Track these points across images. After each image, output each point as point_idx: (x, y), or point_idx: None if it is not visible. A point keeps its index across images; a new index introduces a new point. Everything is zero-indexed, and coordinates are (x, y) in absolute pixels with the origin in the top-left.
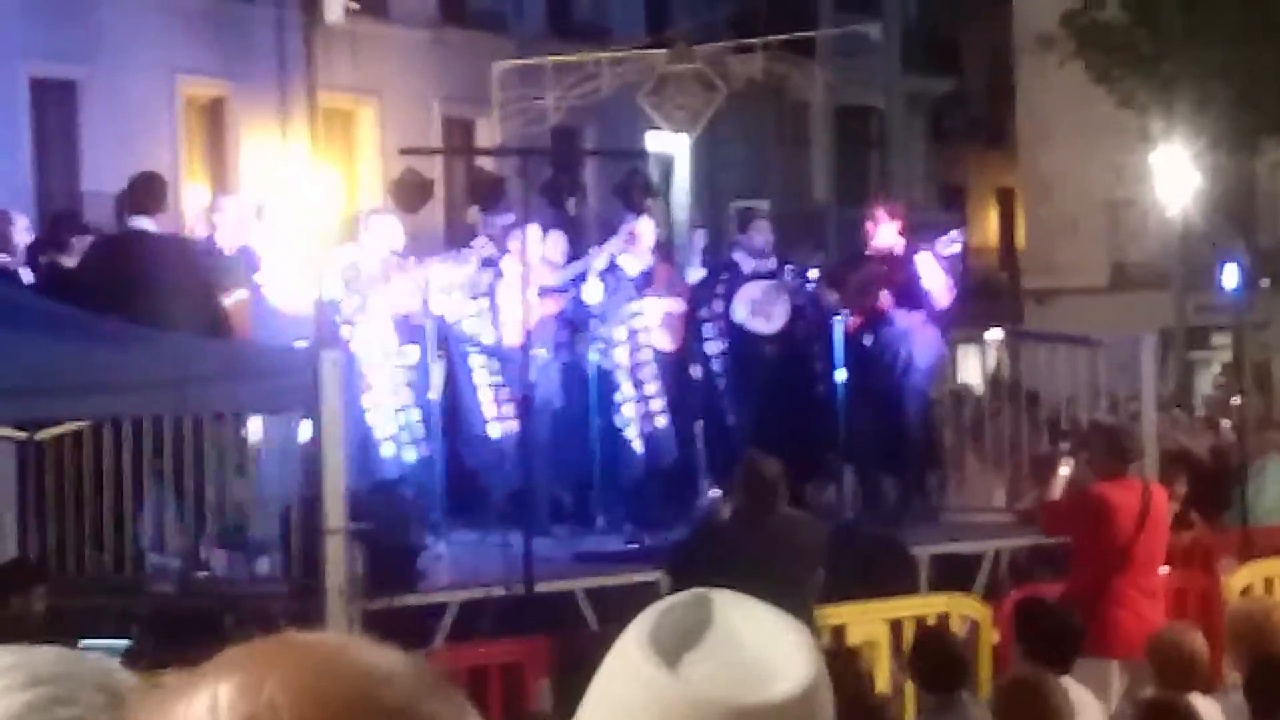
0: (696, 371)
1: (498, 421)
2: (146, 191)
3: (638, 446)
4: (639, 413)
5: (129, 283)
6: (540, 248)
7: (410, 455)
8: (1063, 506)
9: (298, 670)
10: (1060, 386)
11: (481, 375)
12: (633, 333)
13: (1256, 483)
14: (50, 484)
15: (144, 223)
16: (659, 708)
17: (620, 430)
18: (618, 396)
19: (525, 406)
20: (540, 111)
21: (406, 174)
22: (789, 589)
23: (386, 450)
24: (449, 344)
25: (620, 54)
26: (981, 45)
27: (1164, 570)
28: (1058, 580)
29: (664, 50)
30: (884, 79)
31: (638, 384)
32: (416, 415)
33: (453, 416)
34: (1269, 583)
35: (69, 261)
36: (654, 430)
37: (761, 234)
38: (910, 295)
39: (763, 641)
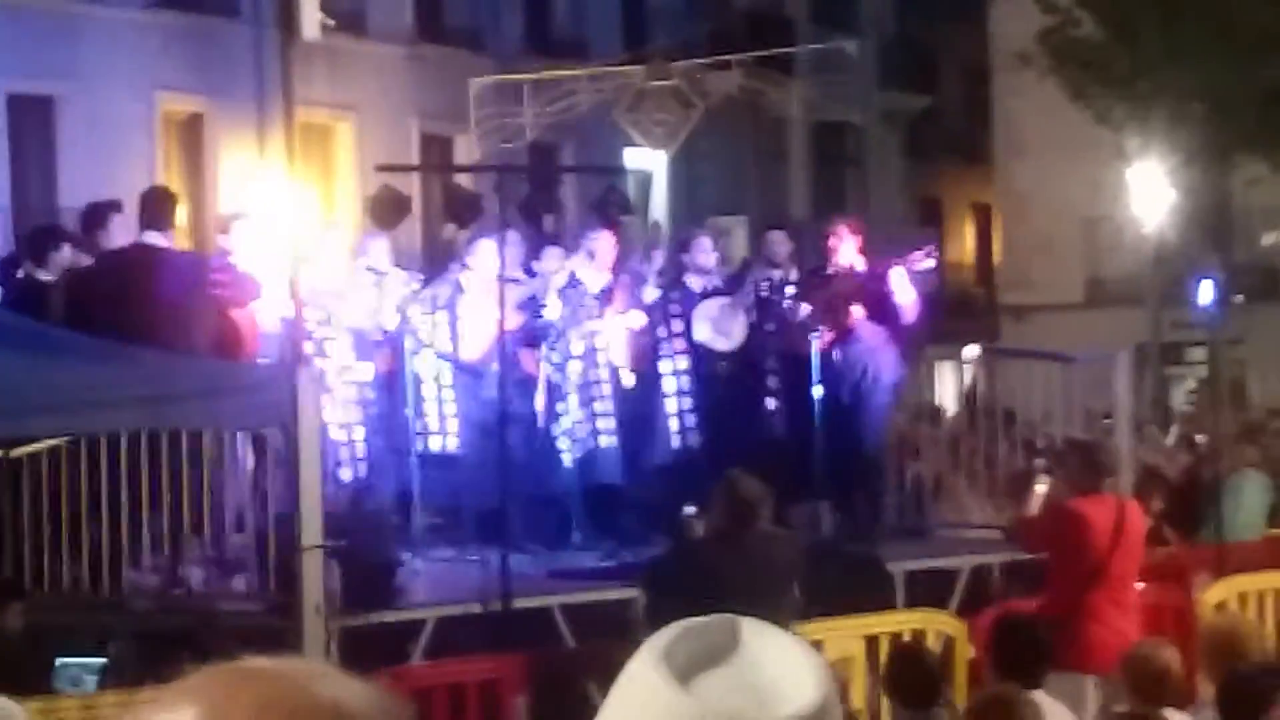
0: (657, 389)
1: (454, 436)
2: (156, 206)
3: (567, 460)
4: (584, 430)
5: (137, 296)
6: (497, 263)
7: (346, 475)
8: (1038, 522)
9: (263, 703)
10: (1036, 402)
11: (430, 389)
12: (591, 350)
13: (1233, 498)
14: (26, 501)
15: (155, 238)
16: None
17: (554, 441)
18: (559, 408)
19: (502, 422)
20: (518, 128)
21: (383, 191)
22: (765, 606)
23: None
24: (404, 358)
25: (598, 71)
26: (958, 62)
27: (1139, 586)
28: (1034, 596)
29: (641, 67)
30: (861, 95)
31: (587, 401)
32: (361, 433)
33: (408, 433)
34: (1243, 598)
35: (45, 276)
36: (595, 448)
37: (703, 251)
38: (876, 312)
39: (779, 666)
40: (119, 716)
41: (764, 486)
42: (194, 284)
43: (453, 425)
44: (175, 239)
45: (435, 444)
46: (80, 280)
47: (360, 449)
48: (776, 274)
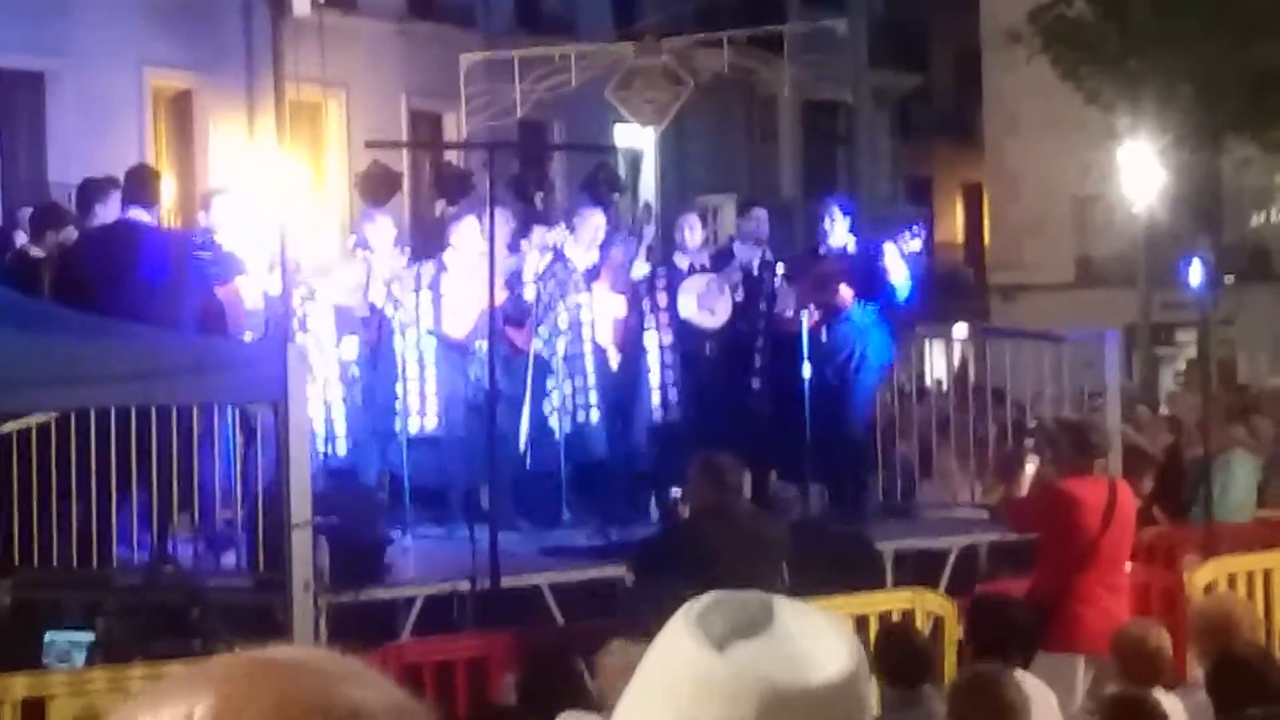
0: (642, 366)
1: (418, 416)
2: (141, 183)
3: (558, 437)
4: (568, 405)
5: (122, 273)
6: (482, 240)
7: (341, 450)
8: (1028, 502)
9: (281, 701)
10: (1025, 382)
11: (416, 369)
12: (575, 324)
13: (1222, 478)
14: (15, 476)
15: (139, 214)
16: (699, 684)
17: (545, 419)
18: (549, 384)
19: (491, 400)
20: (508, 105)
21: (373, 167)
22: (754, 584)
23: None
24: (388, 336)
25: (588, 48)
26: (949, 41)
27: (1127, 566)
28: (1023, 576)
29: (632, 44)
30: (851, 74)
31: (571, 375)
32: (342, 410)
33: (392, 410)
34: (1232, 579)
35: (37, 252)
36: (583, 424)
37: (691, 230)
38: (866, 291)
39: (811, 638)
40: (108, 691)
41: (738, 462)
42: (177, 261)
43: (433, 404)
44: (160, 216)
45: (417, 424)
46: (66, 257)
47: (340, 426)
48: (765, 252)
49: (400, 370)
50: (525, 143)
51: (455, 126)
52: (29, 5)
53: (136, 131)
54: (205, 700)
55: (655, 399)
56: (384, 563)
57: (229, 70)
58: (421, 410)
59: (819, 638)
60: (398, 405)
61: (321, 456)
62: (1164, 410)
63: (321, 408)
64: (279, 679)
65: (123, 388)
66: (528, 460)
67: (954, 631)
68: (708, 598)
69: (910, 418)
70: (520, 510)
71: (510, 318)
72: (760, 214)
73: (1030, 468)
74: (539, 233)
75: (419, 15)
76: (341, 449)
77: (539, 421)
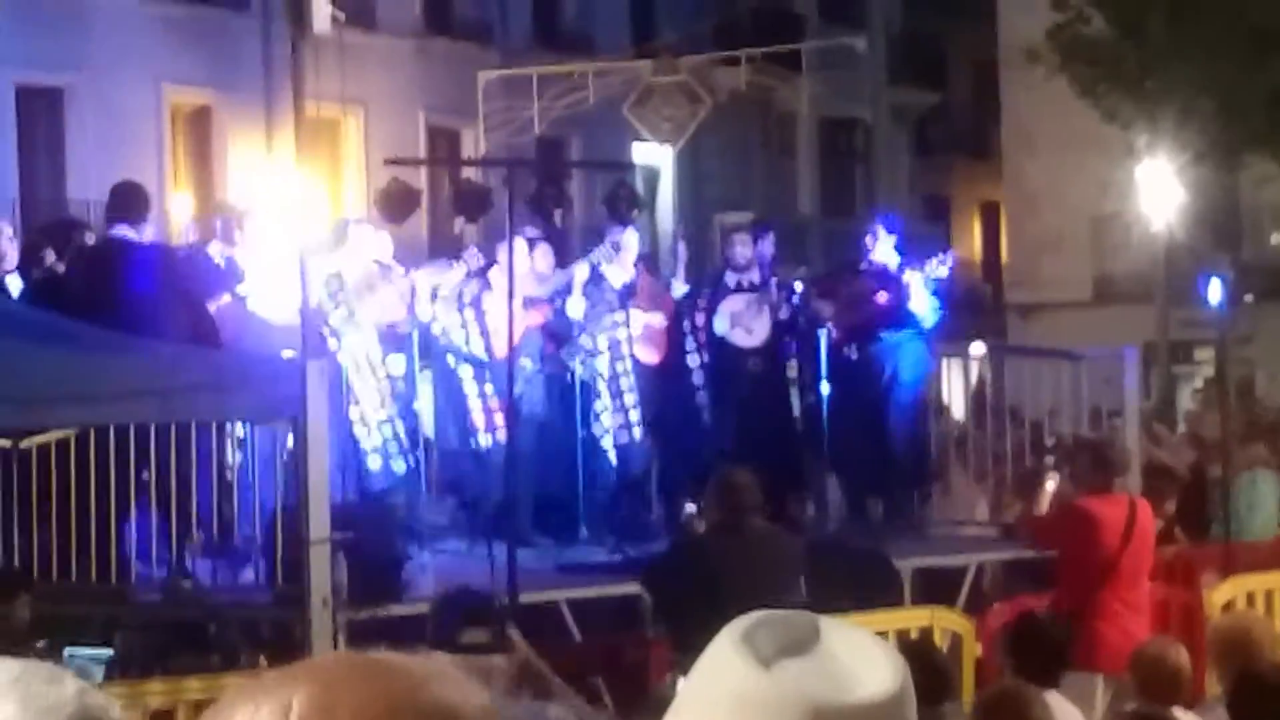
0: (679, 385)
1: (487, 432)
2: (127, 200)
3: (613, 457)
4: (615, 423)
5: (110, 291)
6: (527, 259)
7: (399, 466)
8: (1048, 520)
9: (374, 699)
10: (1043, 400)
11: (471, 386)
12: (614, 343)
13: (1248, 497)
14: (35, 492)
15: (125, 231)
16: (745, 701)
17: (598, 440)
18: (598, 406)
19: (511, 417)
20: (525, 122)
21: (392, 184)
22: (767, 602)
23: (373, 463)
24: (434, 354)
25: (605, 65)
26: (967, 58)
27: (1147, 585)
28: (1042, 594)
29: (649, 61)
30: (869, 91)
31: (615, 394)
32: (401, 427)
33: (439, 427)
34: (1251, 597)
35: (59, 267)
36: (629, 441)
37: (743, 247)
38: (900, 311)
39: (856, 657)
40: (127, 707)
41: (754, 480)
42: (161, 276)
43: (480, 420)
44: (147, 232)
45: (481, 440)
46: (56, 278)
47: (393, 445)
48: (804, 271)
49: (447, 387)
50: (544, 160)
51: (473, 143)
52: (48, 22)
53: (155, 148)
54: (303, 693)
55: (694, 419)
56: (402, 579)
57: (247, 87)
58: (490, 427)
59: (865, 657)
60: (444, 422)
61: (363, 474)
62: (1182, 428)
63: (362, 428)
64: (374, 677)
65: (142, 404)
66: (580, 478)
67: (973, 649)
68: (754, 616)
69: (930, 435)
70: (538, 526)
71: (555, 335)
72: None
73: (1050, 486)
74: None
75: (437, 32)
76: (399, 466)
77: (591, 441)
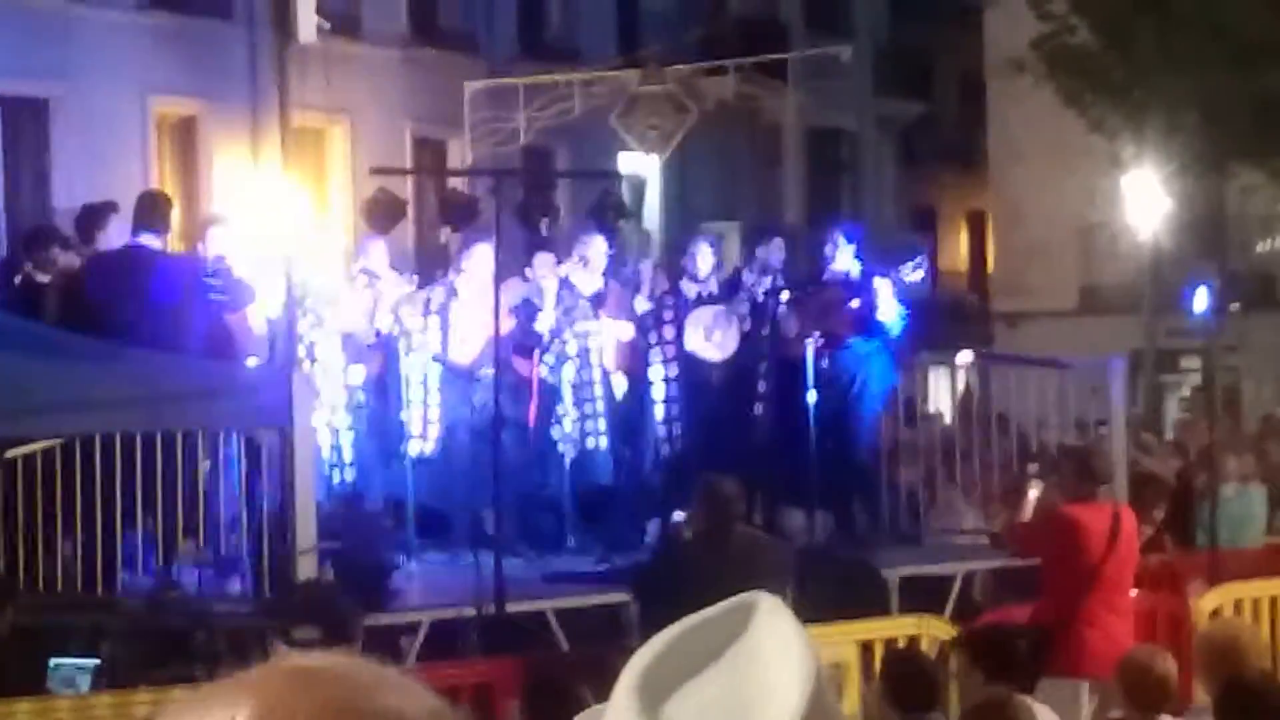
0: (648, 395)
1: (420, 440)
2: (151, 209)
3: (566, 463)
4: (577, 433)
5: (132, 297)
6: (491, 267)
7: (349, 476)
8: (1033, 528)
9: (322, 707)
10: (1030, 409)
11: (416, 392)
12: (584, 350)
13: (1234, 508)
14: (20, 501)
15: (149, 239)
16: None
17: (555, 444)
18: (559, 410)
19: (496, 426)
20: (512, 132)
21: (378, 194)
22: None
23: (334, 474)
24: (393, 362)
25: (592, 75)
26: (953, 69)
27: (1133, 592)
28: (1027, 602)
29: (636, 71)
30: (855, 101)
31: (579, 402)
32: (349, 437)
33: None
34: (1238, 605)
35: (43, 278)
36: (590, 450)
37: (702, 258)
38: (867, 320)
39: (763, 674)
40: (113, 717)
41: (740, 489)
42: (189, 287)
43: (434, 430)
44: (168, 242)
45: (418, 448)
46: (73, 282)
47: (348, 453)
48: (775, 278)
49: (405, 396)
50: (530, 170)
51: (460, 153)
52: (33, 31)
53: (140, 158)
54: (246, 707)
55: (661, 430)
56: (389, 588)
57: (233, 96)
58: (423, 435)
59: (772, 677)
60: (406, 431)
61: (328, 482)
62: (1169, 437)
63: (328, 434)
64: (320, 686)
65: (129, 413)
66: (541, 486)
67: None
68: (661, 641)
69: (915, 444)
70: (524, 536)
71: (519, 346)
72: (779, 242)
73: (1034, 494)
74: (545, 260)
75: (423, 42)
76: (349, 475)
77: (547, 447)
